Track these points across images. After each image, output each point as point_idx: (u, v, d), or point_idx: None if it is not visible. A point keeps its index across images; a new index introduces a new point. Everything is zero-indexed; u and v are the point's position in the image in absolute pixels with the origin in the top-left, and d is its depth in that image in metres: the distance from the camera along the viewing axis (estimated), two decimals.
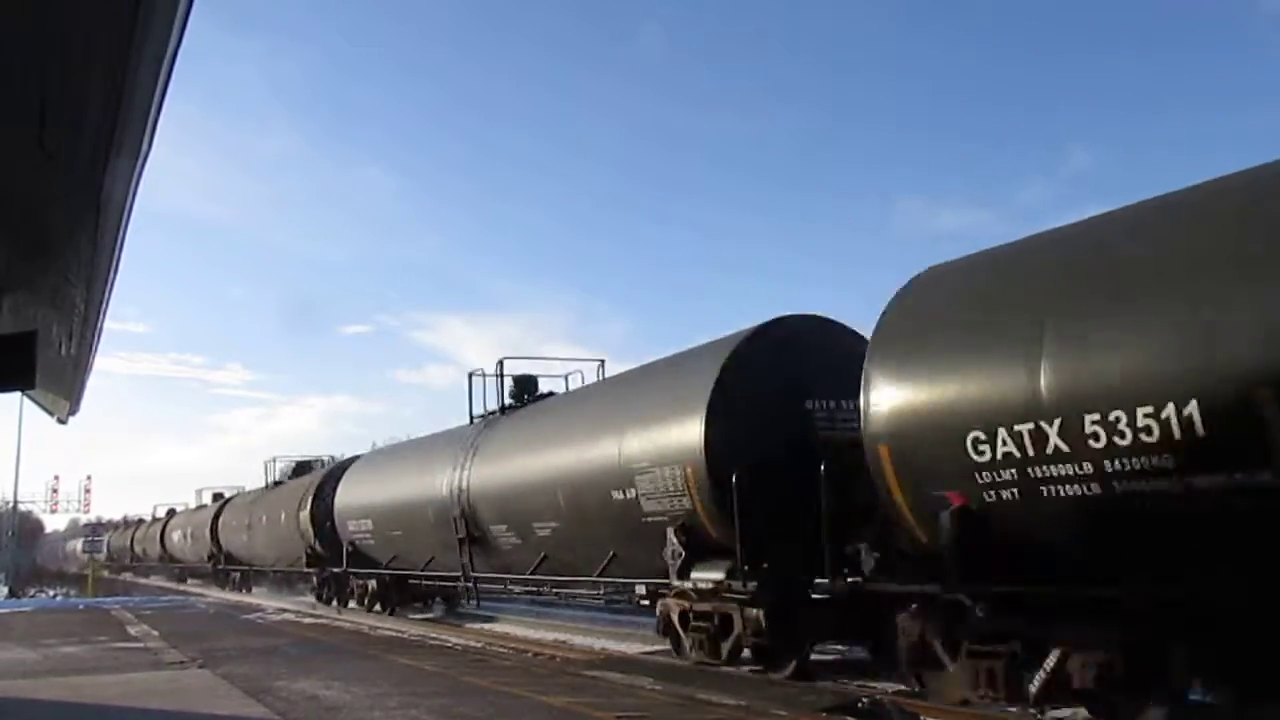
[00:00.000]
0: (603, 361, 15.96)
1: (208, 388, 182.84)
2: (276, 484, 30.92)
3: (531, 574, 14.20)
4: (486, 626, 18.43)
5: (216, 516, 36.17)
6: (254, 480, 39.67)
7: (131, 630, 16.44)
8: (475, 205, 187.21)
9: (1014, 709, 8.48)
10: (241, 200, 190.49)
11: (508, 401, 16.79)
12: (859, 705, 7.88)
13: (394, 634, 16.17)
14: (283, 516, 26.82)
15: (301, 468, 30.28)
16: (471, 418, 17.43)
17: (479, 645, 14.20)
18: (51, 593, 44.99)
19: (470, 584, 16.57)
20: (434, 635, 15.90)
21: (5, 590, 43.43)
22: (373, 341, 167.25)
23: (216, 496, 41.54)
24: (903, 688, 9.27)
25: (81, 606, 25.95)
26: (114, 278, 8.48)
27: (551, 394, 16.48)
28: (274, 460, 32.31)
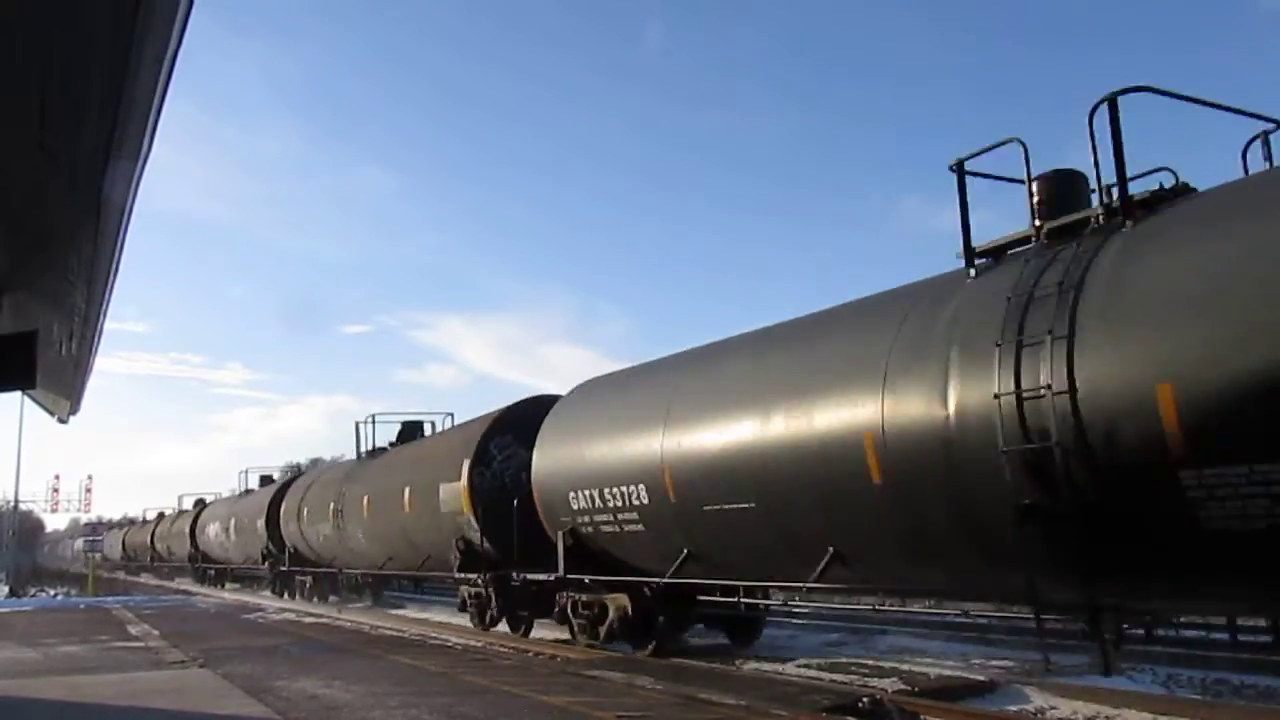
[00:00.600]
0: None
1: (207, 387, 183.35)
2: (374, 452, 22.67)
3: None
4: None
5: (274, 504, 28.37)
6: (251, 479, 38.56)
7: (132, 630, 16.44)
8: (474, 204, 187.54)
9: (1014, 708, 8.49)
10: (240, 199, 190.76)
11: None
12: (859, 705, 7.87)
13: (395, 633, 16.16)
14: (406, 496, 18.06)
15: (409, 430, 22.31)
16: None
17: (479, 645, 14.19)
18: (52, 592, 44.95)
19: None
20: (434, 634, 15.89)
21: (6, 589, 43.45)
22: (373, 341, 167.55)
23: (265, 480, 34.85)
24: (904, 687, 9.28)
25: (82, 606, 25.94)
26: (114, 278, 8.49)
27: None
28: (370, 420, 23.24)
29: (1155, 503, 6.06)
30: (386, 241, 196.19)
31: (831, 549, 8.83)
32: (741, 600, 10.67)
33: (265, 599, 28.49)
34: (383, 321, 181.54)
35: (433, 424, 21.76)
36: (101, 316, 9.95)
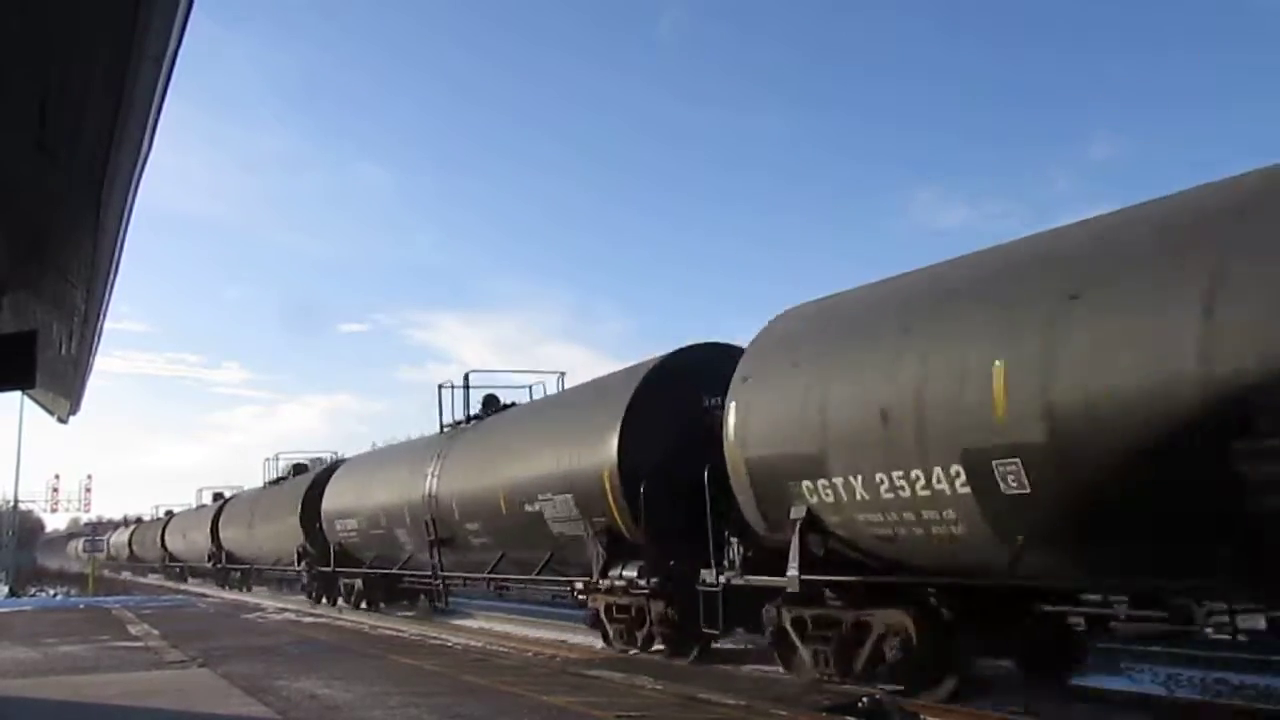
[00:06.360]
0: None
1: (206, 386, 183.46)
2: (466, 423, 17.87)
3: None
4: None
5: (313, 495, 24.03)
6: (251, 477, 37.21)
7: (132, 630, 16.44)
8: (471, 201, 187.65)
9: (1013, 708, 8.48)
10: (237, 197, 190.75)
11: None
12: (859, 705, 7.87)
13: (394, 633, 16.17)
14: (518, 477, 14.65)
15: (490, 405, 17.96)
16: None
17: (479, 645, 14.19)
18: (52, 592, 44.93)
19: None
20: (434, 635, 15.88)
21: (5, 589, 43.44)
22: (370, 340, 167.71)
23: (298, 469, 30.57)
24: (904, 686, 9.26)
25: (82, 606, 25.94)
26: (114, 278, 8.50)
27: None
28: (452, 386, 18.24)
29: None
30: (383, 239, 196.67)
31: None
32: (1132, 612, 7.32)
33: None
34: (380, 320, 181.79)
35: (529, 390, 17.54)
36: (101, 316, 9.95)
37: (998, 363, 7.13)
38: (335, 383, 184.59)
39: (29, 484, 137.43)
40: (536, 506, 13.40)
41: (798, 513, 8.97)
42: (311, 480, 25.40)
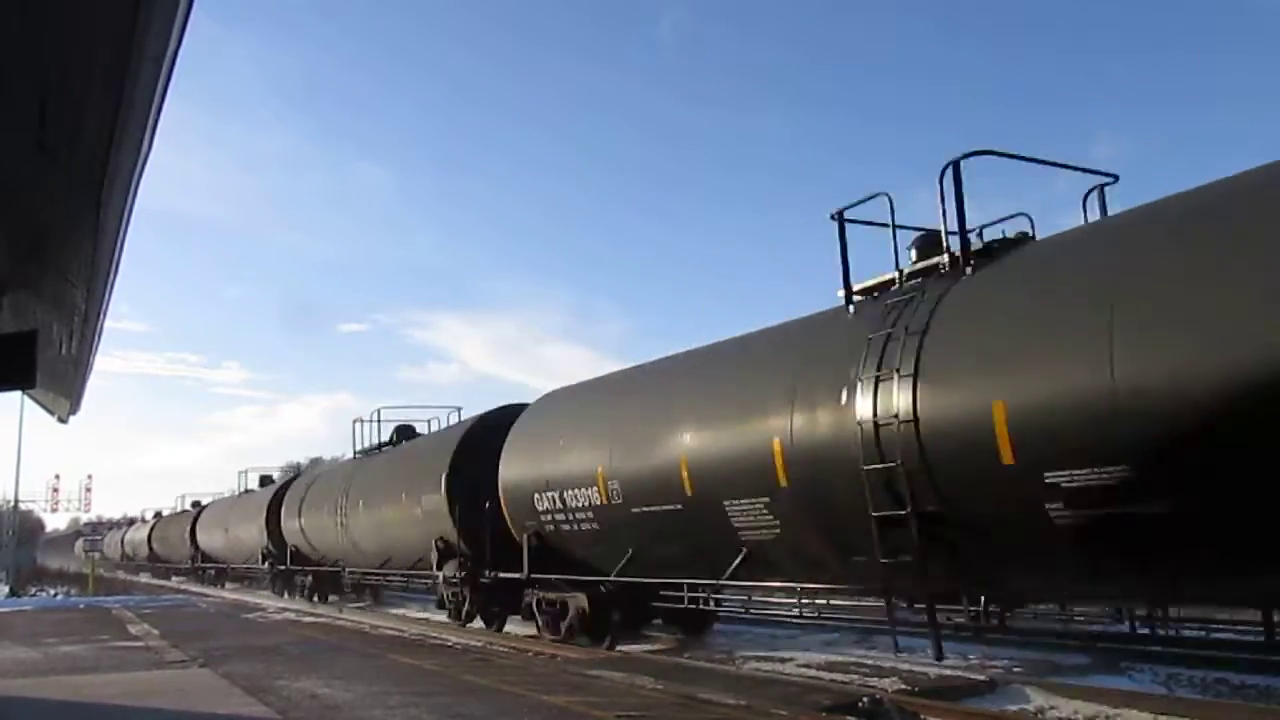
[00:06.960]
0: None
1: (206, 386, 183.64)
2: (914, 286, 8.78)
3: None
4: None
5: (475, 455, 15.54)
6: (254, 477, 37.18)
7: (132, 629, 16.44)
8: (471, 200, 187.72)
9: (1014, 708, 8.49)
10: (236, 197, 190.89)
11: None
12: (859, 705, 7.87)
13: (394, 633, 16.17)
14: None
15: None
16: None
17: (479, 644, 14.19)
18: (52, 591, 44.88)
19: None
20: (434, 634, 15.89)
21: (6, 589, 43.44)
22: (369, 340, 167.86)
23: (404, 433, 22.08)
24: (904, 686, 9.28)
25: (82, 606, 25.91)
26: (114, 277, 8.50)
27: None
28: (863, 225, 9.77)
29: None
30: (383, 239, 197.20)
31: None
32: None
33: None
34: (379, 320, 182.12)
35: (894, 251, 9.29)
36: (101, 316, 9.96)
37: None
38: (335, 382, 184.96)
39: (29, 484, 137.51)
40: None
41: None
42: (464, 434, 16.47)
